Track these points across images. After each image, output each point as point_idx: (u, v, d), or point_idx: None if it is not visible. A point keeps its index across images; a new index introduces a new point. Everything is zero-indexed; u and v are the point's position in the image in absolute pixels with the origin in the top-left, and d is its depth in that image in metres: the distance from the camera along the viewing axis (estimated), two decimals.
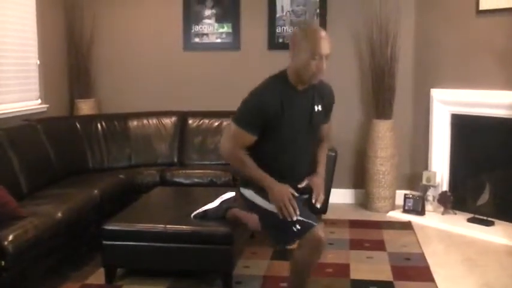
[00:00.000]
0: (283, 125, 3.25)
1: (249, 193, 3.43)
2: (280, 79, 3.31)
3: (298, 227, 3.19)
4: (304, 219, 3.21)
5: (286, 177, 3.33)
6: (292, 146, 3.34)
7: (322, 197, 3.38)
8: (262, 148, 3.30)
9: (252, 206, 3.46)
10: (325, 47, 3.17)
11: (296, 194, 3.28)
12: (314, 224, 3.21)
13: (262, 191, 3.32)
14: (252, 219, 3.54)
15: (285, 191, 3.24)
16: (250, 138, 3.27)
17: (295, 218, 3.18)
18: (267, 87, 3.30)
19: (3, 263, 3.43)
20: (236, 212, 3.88)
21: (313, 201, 3.34)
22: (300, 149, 3.38)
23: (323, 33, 3.22)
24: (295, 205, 3.20)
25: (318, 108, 3.38)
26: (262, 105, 3.21)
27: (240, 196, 3.56)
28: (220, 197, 4.16)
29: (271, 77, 3.37)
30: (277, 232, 3.33)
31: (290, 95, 3.27)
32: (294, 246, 3.38)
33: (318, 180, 3.43)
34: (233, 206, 4.00)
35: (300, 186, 3.37)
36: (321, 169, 3.52)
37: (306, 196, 3.40)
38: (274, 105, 3.21)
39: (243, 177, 3.44)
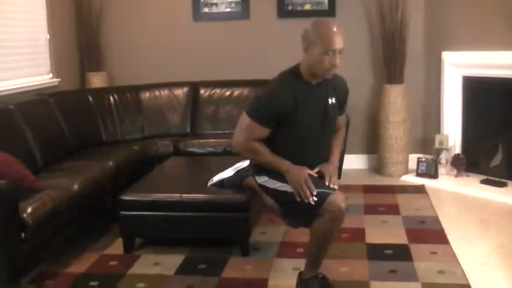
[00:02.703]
0: (297, 120, 3.24)
1: (263, 180, 3.43)
2: (293, 75, 3.30)
3: (315, 199, 3.17)
4: (320, 190, 3.20)
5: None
6: (307, 141, 3.34)
7: (335, 180, 3.35)
8: (276, 142, 3.31)
9: (268, 192, 3.46)
10: (338, 42, 3.13)
11: (314, 174, 3.28)
12: (330, 192, 3.20)
13: (277, 174, 3.33)
14: (271, 203, 3.53)
15: (302, 172, 3.24)
16: (264, 131, 3.27)
17: (311, 200, 3.16)
18: (280, 83, 3.30)
19: (23, 234, 3.48)
20: (251, 182, 3.91)
21: (327, 183, 3.31)
22: (315, 143, 3.37)
23: (335, 27, 3.16)
24: (312, 187, 3.18)
25: (332, 101, 3.36)
26: (277, 102, 3.21)
27: (256, 185, 3.54)
28: (234, 166, 4.15)
29: (284, 73, 3.35)
30: (296, 215, 3.33)
31: (304, 91, 3.26)
32: None
33: (329, 168, 3.40)
34: (247, 175, 4.02)
35: (310, 173, 3.33)
36: (334, 158, 3.50)
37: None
38: (289, 101, 3.20)
39: (258, 164, 3.45)
